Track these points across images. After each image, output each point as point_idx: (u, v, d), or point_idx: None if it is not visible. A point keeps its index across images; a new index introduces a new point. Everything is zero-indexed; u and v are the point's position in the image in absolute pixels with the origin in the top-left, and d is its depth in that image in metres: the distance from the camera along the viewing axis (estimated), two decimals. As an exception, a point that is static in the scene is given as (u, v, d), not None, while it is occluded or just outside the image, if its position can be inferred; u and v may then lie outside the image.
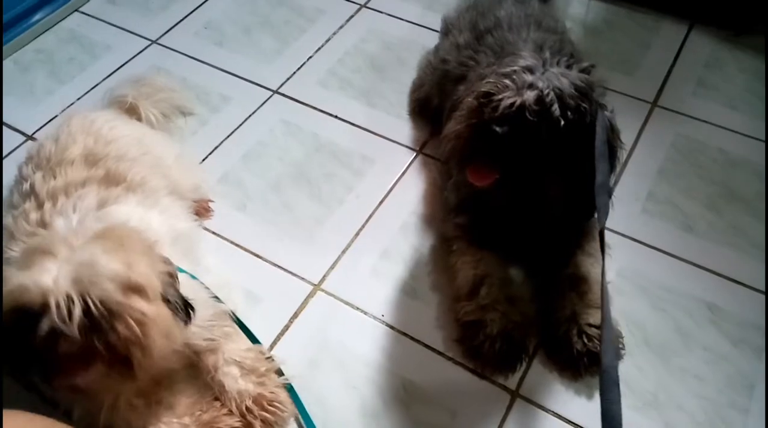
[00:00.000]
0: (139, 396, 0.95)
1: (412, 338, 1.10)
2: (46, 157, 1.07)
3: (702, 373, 1.05)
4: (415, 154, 1.40)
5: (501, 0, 1.37)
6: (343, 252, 1.23)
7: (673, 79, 1.53)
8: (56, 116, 1.49)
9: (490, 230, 1.13)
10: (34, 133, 1.47)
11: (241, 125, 1.47)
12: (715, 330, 1.10)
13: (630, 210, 1.27)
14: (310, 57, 1.62)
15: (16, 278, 0.76)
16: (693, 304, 1.13)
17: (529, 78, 0.95)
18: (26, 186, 1.03)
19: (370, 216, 1.29)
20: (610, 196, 0.96)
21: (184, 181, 1.18)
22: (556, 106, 0.92)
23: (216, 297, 1.03)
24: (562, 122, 0.92)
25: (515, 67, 0.97)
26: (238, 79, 1.57)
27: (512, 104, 0.92)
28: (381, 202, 1.31)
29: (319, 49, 1.64)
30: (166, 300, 0.83)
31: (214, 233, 1.26)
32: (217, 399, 0.98)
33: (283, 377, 1.02)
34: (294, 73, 1.59)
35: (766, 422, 0.99)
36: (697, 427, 0.99)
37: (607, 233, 0.92)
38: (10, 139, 1.46)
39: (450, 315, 1.11)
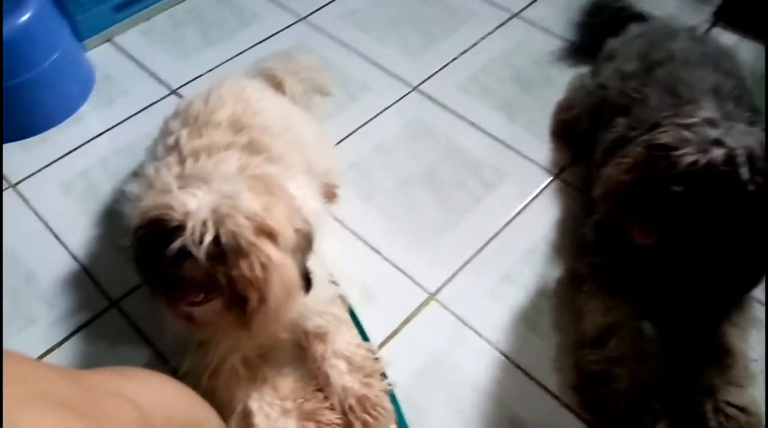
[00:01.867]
0: (245, 366, 0.96)
1: (526, 373, 1.06)
2: (194, 115, 1.09)
3: None
4: (551, 178, 1.34)
5: (674, 33, 1.29)
6: (463, 266, 1.20)
7: None
8: (201, 76, 1.55)
9: (629, 277, 1.06)
10: (177, 88, 1.53)
11: (376, 116, 1.46)
12: None
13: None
14: (455, 58, 1.60)
15: (165, 197, 0.79)
16: None
17: (712, 133, 0.87)
18: (171, 140, 1.07)
19: (496, 234, 1.25)
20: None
21: (319, 162, 1.19)
22: (745, 169, 0.84)
23: (334, 282, 1.03)
24: (751, 187, 0.84)
25: (696, 119, 0.90)
26: (379, 69, 1.58)
27: (695, 162, 0.84)
28: (509, 221, 1.27)
29: (465, 51, 1.62)
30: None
31: (337, 220, 1.26)
32: (320, 389, 0.98)
33: (387, 381, 1.00)
34: (436, 72, 1.57)
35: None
36: None
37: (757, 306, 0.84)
38: (155, 90, 1.53)
39: (570, 359, 1.06)
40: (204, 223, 0.75)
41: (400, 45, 1.64)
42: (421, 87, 1.53)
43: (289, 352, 1.00)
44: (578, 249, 1.16)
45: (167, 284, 0.79)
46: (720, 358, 0.99)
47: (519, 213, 1.28)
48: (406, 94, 1.51)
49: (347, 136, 1.42)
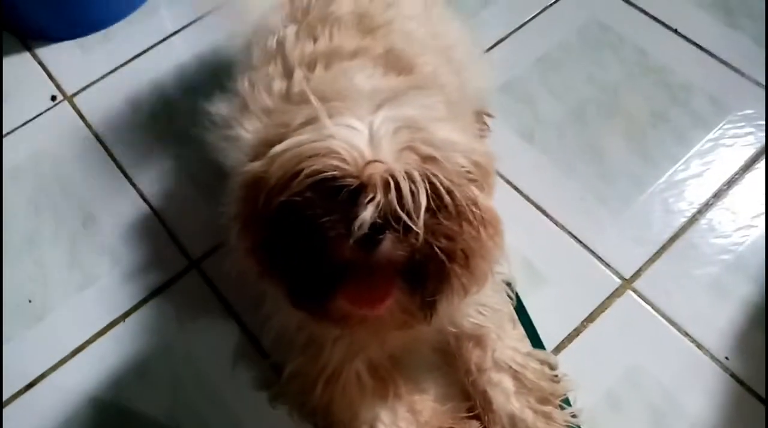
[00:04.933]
0: (372, 374, 0.73)
1: (771, 407, 0.76)
2: (304, 6, 0.81)
3: None
4: (795, 112, 0.98)
5: None
6: (670, 241, 0.88)
7: None
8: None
9: None
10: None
11: (540, 13, 1.13)
12: None
13: None
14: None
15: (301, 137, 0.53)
16: None
17: None
18: (272, 42, 0.79)
19: (718, 196, 0.91)
20: None
21: (473, 79, 0.88)
22: None
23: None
24: None
25: None
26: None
27: None
28: (737, 177, 0.93)
29: None
30: None
31: (486, 162, 0.96)
32: (475, 416, 0.73)
33: (570, 410, 0.73)
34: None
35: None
36: None
37: None
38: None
39: None
40: (405, 178, 0.50)
41: None
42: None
43: (429, 358, 0.75)
44: None
45: (335, 276, 0.53)
46: None
47: (751, 163, 0.94)
48: (582, -18, 1.15)
49: (500, 41, 1.10)
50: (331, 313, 0.56)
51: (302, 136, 0.53)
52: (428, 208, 0.51)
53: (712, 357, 0.80)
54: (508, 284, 0.79)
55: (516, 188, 0.94)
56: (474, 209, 0.54)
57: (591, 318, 0.83)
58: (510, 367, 0.73)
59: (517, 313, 0.79)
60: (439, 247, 0.52)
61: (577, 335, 0.82)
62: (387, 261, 0.51)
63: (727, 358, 0.79)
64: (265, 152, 0.56)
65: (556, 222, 0.91)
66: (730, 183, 0.93)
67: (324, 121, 0.53)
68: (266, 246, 0.55)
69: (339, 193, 0.50)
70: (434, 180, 0.51)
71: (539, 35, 1.10)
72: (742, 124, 0.98)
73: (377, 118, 0.53)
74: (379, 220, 0.49)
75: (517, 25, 1.11)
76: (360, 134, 0.52)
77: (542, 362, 0.75)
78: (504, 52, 1.09)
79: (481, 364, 0.73)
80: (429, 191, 0.51)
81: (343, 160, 0.50)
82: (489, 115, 0.98)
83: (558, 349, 0.80)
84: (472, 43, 0.93)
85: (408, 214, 0.50)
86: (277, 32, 0.79)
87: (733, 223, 0.90)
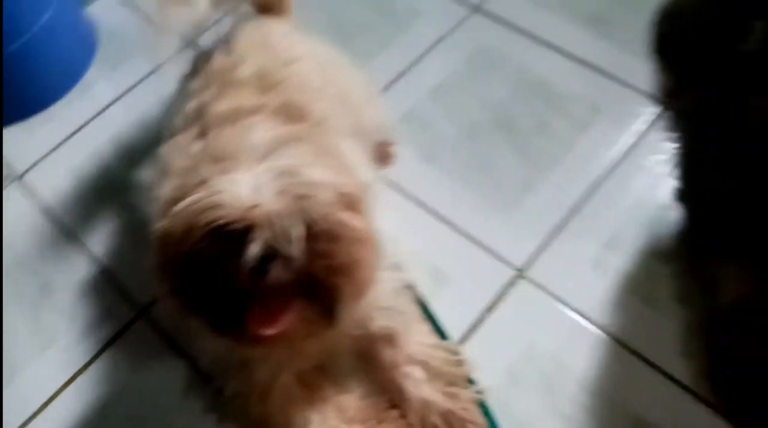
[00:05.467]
0: (300, 383, 0.84)
1: (645, 360, 0.89)
2: (215, 72, 0.93)
3: None
4: (659, 108, 1.12)
5: None
6: (556, 232, 1.02)
7: None
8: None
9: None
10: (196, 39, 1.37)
11: (431, 49, 1.27)
12: None
13: None
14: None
15: (195, 195, 0.64)
16: None
17: None
18: (190, 106, 0.91)
19: (595, 188, 1.05)
20: None
21: (368, 117, 1.01)
22: None
23: (397, 268, 0.88)
24: None
25: None
26: (429, -12, 1.36)
27: None
28: (611, 170, 1.07)
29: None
30: None
31: (394, 185, 1.09)
32: (394, 406, 0.84)
33: (475, 388, 0.85)
34: (500, -18, 1.34)
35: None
36: None
37: None
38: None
39: (704, 341, 0.88)
40: (282, 214, 0.61)
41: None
42: (484, 4, 1.31)
43: (351, 362, 0.87)
44: (702, 199, 0.95)
45: (240, 304, 0.65)
46: None
47: (623, 158, 1.08)
48: (467, 17, 1.30)
49: (397, 79, 1.23)
50: (246, 336, 0.67)
51: (197, 194, 0.65)
52: (306, 236, 0.62)
53: (595, 324, 0.93)
54: (413, 287, 0.91)
55: (421, 203, 1.07)
56: (345, 231, 0.66)
57: (491, 307, 0.95)
58: (419, 359, 0.84)
59: (423, 312, 0.91)
60: (321, 266, 0.64)
61: (480, 325, 0.94)
62: (279, 285, 0.62)
63: (606, 323, 0.93)
64: (171, 210, 0.68)
65: (456, 229, 1.04)
66: (606, 176, 1.06)
67: (215, 179, 0.65)
68: (181, 289, 0.67)
69: (232, 236, 0.62)
70: (307, 213, 0.63)
71: (433, 68, 1.24)
72: (616, 121, 1.12)
73: (259, 170, 0.65)
74: (266, 252, 0.61)
75: (412, 62, 1.25)
76: (244, 185, 0.63)
77: (447, 350, 0.87)
78: (402, 86, 1.22)
79: (394, 361, 0.85)
80: (304, 223, 0.62)
81: (231, 209, 0.62)
82: (391, 144, 1.12)
83: (464, 339, 0.93)
84: (367, 85, 1.06)
85: (288, 244, 0.61)
86: (195, 97, 0.91)
87: (612, 208, 1.03)
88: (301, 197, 0.63)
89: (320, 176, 0.67)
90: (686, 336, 0.90)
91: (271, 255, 0.61)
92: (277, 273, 0.62)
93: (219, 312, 0.66)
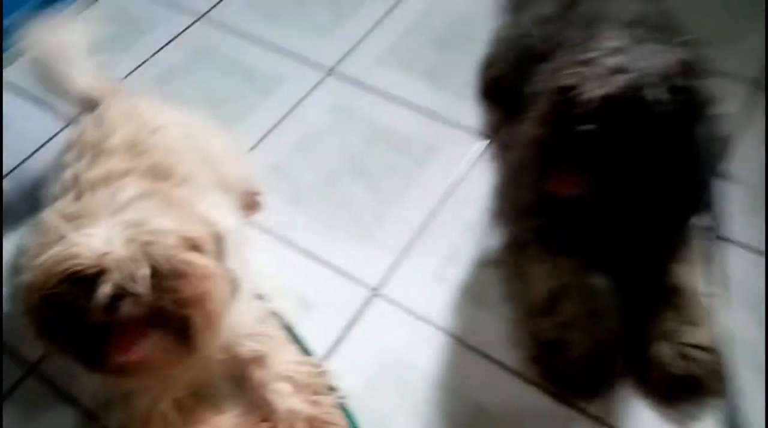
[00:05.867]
0: (177, 410, 0.94)
1: (482, 353, 1.06)
2: (88, 143, 1.05)
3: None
4: (485, 143, 1.33)
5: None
6: (404, 253, 1.19)
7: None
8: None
9: (570, 234, 1.05)
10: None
11: (292, 110, 1.44)
12: None
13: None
14: (369, 31, 1.57)
15: (54, 249, 0.76)
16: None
17: (615, 61, 0.85)
18: (68, 175, 1.02)
19: (434, 214, 1.24)
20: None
21: (232, 172, 1.16)
22: (652, 91, 0.83)
23: (262, 299, 1.01)
24: (662, 108, 0.83)
25: (597, 52, 0.89)
26: (290, 57, 1.54)
27: (595, 97, 0.83)
28: (446, 197, 1.26)
29: (378, 22, 1.59)
30: None
31: (263, 229, 1.23)
32: (265, 420, 0.96)
33: (336, 394, 0.99)
34: (351, 49, 1.54)
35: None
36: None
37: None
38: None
39: (525, 330, 1.06)
40: (129, 259, 0.74)
41: (310, 26, 1.61)
42: (337, 68, 1.50)
43: (226, 385, 0.98)
44: (516, 214, 1.15)
45: (100, 338, 0.76)
46: (673, 299, 0.99)
47: (455, 186, 1.27)
48: (322, 80, 1.49)
49: (264, 137, 1.39)
50: (110, 366, 0.78)
51: (55, 248, 0.76)
52: (152, 276, 0.74)
53: (439, 328, 1.09)
54: (279, 314, 1.05)
55: (288, 241, 1.21)
56: (189, 269, 0.78)
57: (351, 324, 1.10)
58: (287, 376, 0.97)
59: (290, 335, 1.04)
60: (169, 300, 0.76)
61: (342, 340, 1.08)
62: (131, 318, 0.75)
63: (448, 326, 1.09)
64: (34, 262, 0.79)
65: (316, 258, 1.19)
66: (444, 202, 1.25)
67: (72, 234, 0.77)
68: (45, 330, 0.78)
69: (87, 280, 0.73)
70: (152, 256, 0.75)
71: (294, 127, 1.40)
72: (450, 156, 1.32)
73: (111, 223, 0.78)
74: (116, 292, 0.73)
75: (276, 122, 1.41)
76: (97, 237, 0.75)
77: (311, 364, 1.00)
78: (270, 143, 1.38)
79: (264, 380, 0.96)
80: (149, 265, 0.74)
81: (85, 258, 0.74)
82: (258, 193, 1.26)
83: (328, 355, 1.07)
84: (231, 145, 1.22)
85: (135, 284, 0.73)
86: (72, 166, 1.03)
87: (449, 229, 1.21)
88: (146, 243, 0.76)
89: (165, 224, 0.79)
90: (513, 328, 1.08)
91: (121, 293, 0.73)
92: (127, 308, 0.74)
93: (82, 347, 0.78)
